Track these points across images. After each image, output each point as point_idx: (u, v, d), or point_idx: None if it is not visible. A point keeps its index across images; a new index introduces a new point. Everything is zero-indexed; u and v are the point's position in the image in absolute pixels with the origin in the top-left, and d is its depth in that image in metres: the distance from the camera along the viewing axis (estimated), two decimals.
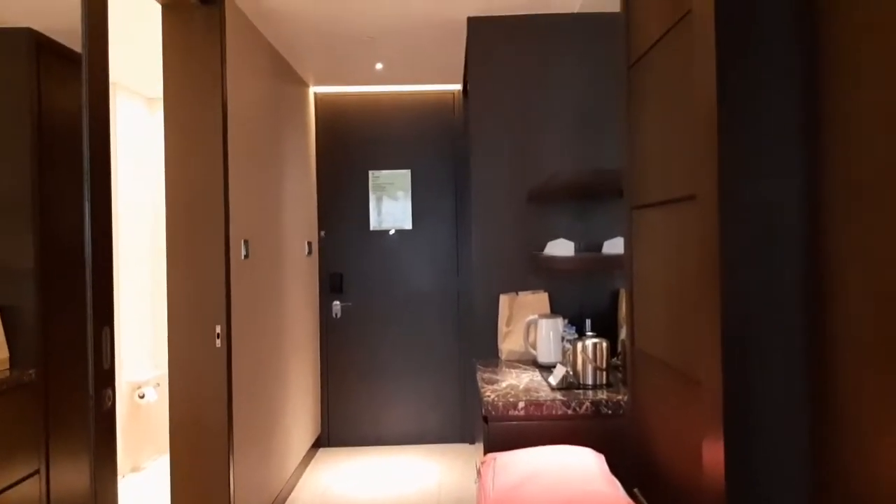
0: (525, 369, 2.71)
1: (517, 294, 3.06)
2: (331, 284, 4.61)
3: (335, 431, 4.60)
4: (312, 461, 4.31)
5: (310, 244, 4.36)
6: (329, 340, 4.62)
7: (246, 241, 2.94)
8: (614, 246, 2.80)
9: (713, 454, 1.13)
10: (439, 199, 4.64)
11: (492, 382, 2.46)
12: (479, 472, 1.97)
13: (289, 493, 3.68)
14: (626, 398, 2.14)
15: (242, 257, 2.90)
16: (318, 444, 4.53)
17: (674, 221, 1.39)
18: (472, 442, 4.51)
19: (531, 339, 2.82)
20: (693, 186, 1.23)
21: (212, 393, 2.63)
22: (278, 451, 3.46)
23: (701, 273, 1.19)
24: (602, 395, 2.26)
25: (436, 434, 4.59)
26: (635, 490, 1.72)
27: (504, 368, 2.75)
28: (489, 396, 2.24)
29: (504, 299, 3.04)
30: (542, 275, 3.11)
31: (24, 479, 2.36)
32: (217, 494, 2.61)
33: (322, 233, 4.63)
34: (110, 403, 1.81)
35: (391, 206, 4.65)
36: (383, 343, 4.61)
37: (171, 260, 2.66)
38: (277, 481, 3.42)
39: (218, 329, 2.65)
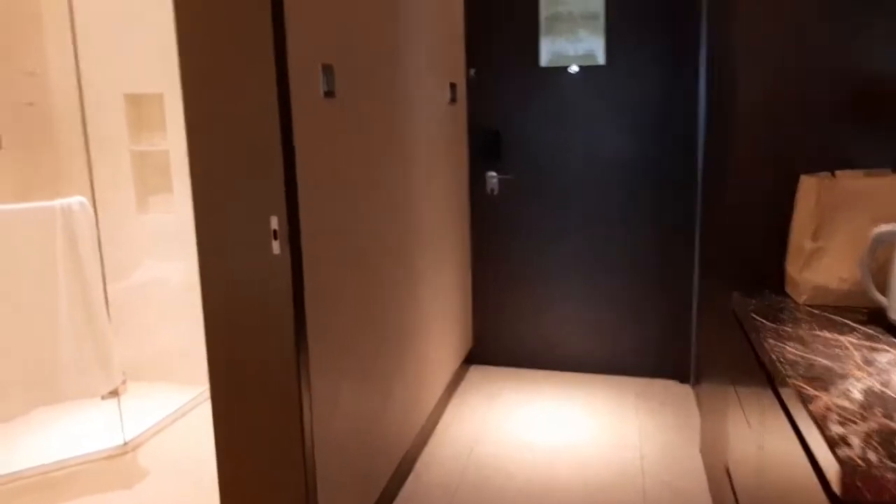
0: (868, 334, 1.29)
1: (833, 175, 1.56)
2: (483, 147, 3.30)
3: (488, 345, 3.49)
4: (462, 383, 3.28)
5: (454, 87, 3.02)
6: (481, 227, 3.39)
7: (327, 68, 1.69)
8: None
9: None
10: (651, 17, 3.01)
11: (816, 376, 1.08)
12: None
13: (427, 437, 2.67)
14: None
15: (321, 94, 1.66)
16: (469, 360, 3.48)
17: None
18: (683, 380, 3.19)
19: (879, 269, 1.36)
20: None
21: (266, 322, 1.53)
22: (405, 382, 2.39)
23: None
24: None
25: (631, 364, 3.30)
26: None
27: (814, 328, 1.34)
28: (836, 430, 0.89)
29: (808, 184, 1.56)
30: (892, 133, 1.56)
31: None
32: (285, 446, 1.59)
33: (472, 71, 3.25)
34: None
35: (572, 29, 3.10)
36: (561, 235, 3.28)
37: (188, 101, 1.49)
38: (411, 422, 2.39)
39: (274, 223, 1.50)
